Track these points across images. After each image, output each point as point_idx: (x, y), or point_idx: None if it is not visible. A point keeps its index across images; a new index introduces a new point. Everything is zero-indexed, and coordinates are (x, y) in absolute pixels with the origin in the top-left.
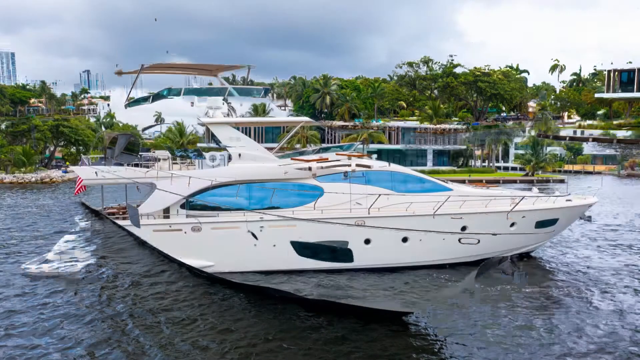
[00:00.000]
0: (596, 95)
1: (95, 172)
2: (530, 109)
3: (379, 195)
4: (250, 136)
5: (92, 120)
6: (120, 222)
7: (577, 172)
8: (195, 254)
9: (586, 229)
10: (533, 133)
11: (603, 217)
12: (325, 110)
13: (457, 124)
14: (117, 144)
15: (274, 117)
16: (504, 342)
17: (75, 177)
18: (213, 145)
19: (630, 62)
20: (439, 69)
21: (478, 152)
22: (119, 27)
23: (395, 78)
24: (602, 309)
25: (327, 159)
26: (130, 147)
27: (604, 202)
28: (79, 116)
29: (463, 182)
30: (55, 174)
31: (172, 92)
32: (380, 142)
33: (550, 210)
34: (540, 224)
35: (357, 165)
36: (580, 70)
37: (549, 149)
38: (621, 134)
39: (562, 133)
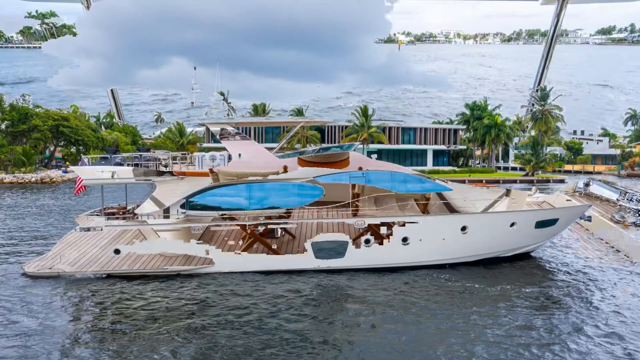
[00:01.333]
0: None
1: (95, 172)
2: None
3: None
4: (250, 136)
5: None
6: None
7: (577, 172)
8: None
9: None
10: (533, 133)
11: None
12: None
13: None
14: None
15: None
16: (504, 342)
17: (75, 177)
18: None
19: None
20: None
21: (478, 152)
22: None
23: None
24: (602, 309)
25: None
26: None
27: None
28: (79, 115)
29: (463, 182)
30: (55, 174)
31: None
32: (380, 142)
33: (550, 211)
34: (540, 224)
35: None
36: None
37: (549, 149)
38: None
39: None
